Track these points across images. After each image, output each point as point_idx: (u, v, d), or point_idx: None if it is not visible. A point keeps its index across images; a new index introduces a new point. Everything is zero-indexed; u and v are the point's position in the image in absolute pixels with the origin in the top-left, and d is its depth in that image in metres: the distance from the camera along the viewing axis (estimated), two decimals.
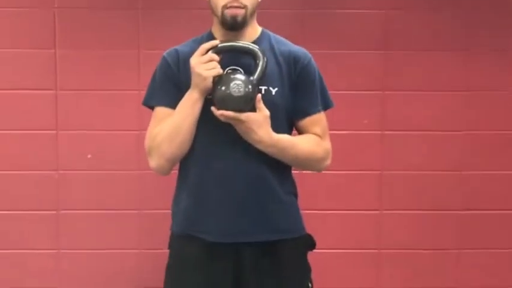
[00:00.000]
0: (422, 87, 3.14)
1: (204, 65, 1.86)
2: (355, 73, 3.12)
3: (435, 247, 3.21)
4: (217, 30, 2.00)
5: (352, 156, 3.13)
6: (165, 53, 2.04)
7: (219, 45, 1.91)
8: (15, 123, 3.11)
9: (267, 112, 1.87)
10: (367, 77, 3.12)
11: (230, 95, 1.82)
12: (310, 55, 2.04)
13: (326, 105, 2.06)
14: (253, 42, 1.98)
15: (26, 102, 3.09)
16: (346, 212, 3.19)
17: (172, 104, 1.95)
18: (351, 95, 3.13)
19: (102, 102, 3.09)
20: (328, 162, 2.05)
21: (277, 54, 1.98)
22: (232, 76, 1.86)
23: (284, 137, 1.93)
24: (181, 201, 1.99)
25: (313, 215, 2.79)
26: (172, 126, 1.90)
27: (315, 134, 2.00)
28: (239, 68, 1.95)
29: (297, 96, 1.97)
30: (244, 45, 1.93)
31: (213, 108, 1.87)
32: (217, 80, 1.88)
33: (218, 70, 1.86)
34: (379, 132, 3.16)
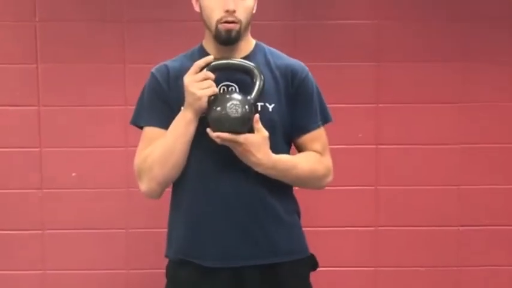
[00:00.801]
0: (416, 99, 3.10)
1: (199, 84, 1.79)
2: (347, 85, 3.09)
3: (433, 264, 3.17)
4: (209, 44, 1.94)
5: (346, 172, 3.07)
6: (153, 69, 1.97)
7: (214, 63, 1.84)
8: None
9: (265, 133, 1.82)
10: (360, 90, 3.09)
11: (227, 116, 1.76)
12: (307, 68, 1.98)
13: (325, 119, 2.01)
14: (247, 56, 1.93)
15: (8, 119, 3.06)
16: (341, 229, 3.15)
17: (163, 124, 1.89)
18: (344, 108, 3.08)
19: (87, 119, 3.05)
20: (330, 178, 2.00)
21: (273, 68, 1.93)
22: (228, 96, 1.80)
23: (284, 158, 1.88)
24: (176, 226, 1.94)
25: (306, 232, 2.73)
26: (164, 148, 1.84)
27: (315, 150, 1.96)
28: (234, 85, 1.89)
29: (295, 111, 1.92)
30: (240, 63, 1.87)
31: (208, 130, 1.81)
32: (213, 100, 1.81)
33: (213, 89, 1.80)
34: (374, 146, 3.13)
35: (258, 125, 1.81)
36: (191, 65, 1.83)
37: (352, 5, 3.09)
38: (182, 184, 1.92)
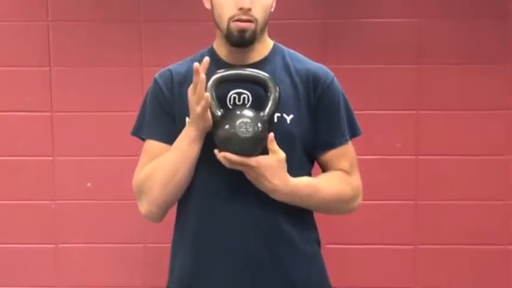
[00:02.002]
0: (461, 105, 2.99)
1: (195, 97, 1.63)
2: (384, 90, 2.98)
3: (480, 287, 3.05)
4: (220, 45, 1.78)
5: (383, 185, 2.99)
6: (156, 75, 1.83)
7: (220, 74, 1.68)
8: (7, 148, 3.03)
9: (282, 155, 1.64)
10: (399, 95, 2.98)
11: (236, 136, 1.60)
12: (332, 74, 1.80)
13: (353, 132, 1.83)
14: (264, 60, 1.77)
15: (19, 126, 3.01)
16: (377, 247, 3.04)
17: (165, 138, 1.75)
18: (380, 115, 2.98)
19: (103, 125, 3.00)
20: (359, 201, 1.82)
21: (292, 74, 1.76)
22: (238, 112, 1.64)
23: (304, 182, 1.71)
24: (180, 254, 1.80)
25: (340, 250, 2.80)
26: (165, 169, 1.70)
27: (341, 169, 1.79)
28: (247, 93, 1.71)
29: (318, 124, 1.76)
30: (251, 73, 1.70)
31: (215, 152, 1.64)
32: (220, 116, 1.65)
33: (204, 104, 1.61)
34: (413, 157, 3.01)
35: (273, 146, 1.63)
36: None
37: (390, 1, 2.98)
38: (186, 206, 1.77)
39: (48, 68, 2.98)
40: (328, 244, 2.80)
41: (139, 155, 2.94)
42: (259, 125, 1.61)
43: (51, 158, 3.01)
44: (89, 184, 3.02)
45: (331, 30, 2.96)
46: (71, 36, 2.97)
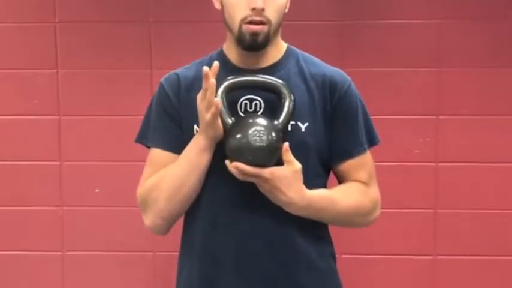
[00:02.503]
0: (483, 110, 2.95)
1: (205, 103, 1.56)
2: (403, 95, 2.94)
3: None
4: (230, 48, 1.70)
5: (401, 193, 2.95)
6: (162, 79, 1.77)
7: (233, 80, 1.62)
8: (13, 153, 3.02)
9: (298, 165, 1.56)
10: (418, 99, 2.94)
11: (248, 145, 1.52)
12: (349, 79, 1.72)
13: (371, 141, 1.76)
14: (276, 64, 1.70)
15: (26, 130, 3.00)
16: (395, 257, 2.99)
17: (171, 146, 1.68)
18: (398, 120, 2.94)
19: (112, 129, 2.97)
20: (377, 214, 1.75)
21: (307, 79, 1.69)
22: (251, 120, 1.56)
23: (320, 194, 1.64)
24: (187, 268, 1.73)
25: (357, 260, 2.78)
26: (172, 179, 1.63)
27: (359, 180, 1.72)
28: (259, 99, 1.64)
29: (335, 133, 1.68)
30: (263, 79, 1.63)
31: (227, 162, 1.57)
32: (232, 124, 1.58)
33: (214, 111, 1.54)
34: (433, 164, 2.96)
35: (288, 156, 1.55)
36: None
37: (408, 1, 2.94)
38: (193, 220, 1.70)
39: (55, 70, 2.97)
40: (343, 254, 2.76)
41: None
42: (274, 134, 1.54)
43: (58, 162, 3.00)
44: (97, 190, 3.00)
45: (347, 31, 2.93)
46: (79, 38, 2.96)
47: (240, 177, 1.53)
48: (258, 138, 1.51)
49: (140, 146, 2.99)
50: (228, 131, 1.56)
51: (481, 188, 2.96)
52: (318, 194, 1.62)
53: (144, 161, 2.96)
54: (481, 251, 2.97)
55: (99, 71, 2.95)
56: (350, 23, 2.93)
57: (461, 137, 2.94)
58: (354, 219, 1.71)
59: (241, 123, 1.55)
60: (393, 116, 2.93)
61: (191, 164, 1.60)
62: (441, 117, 2.94)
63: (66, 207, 3.00)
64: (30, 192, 3.01)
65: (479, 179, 2.95)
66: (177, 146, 1.65)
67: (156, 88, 2.83)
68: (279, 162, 1.55)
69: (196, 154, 1.59)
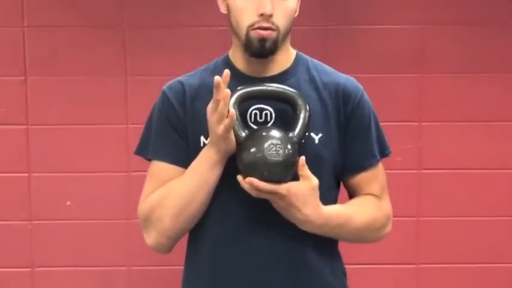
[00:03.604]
0: (466, 117, 2.96)
1: (216, 115, 1.48)
2: (384, 101, 2.84)
3: None
4: (237, 55, 1.64)
5: None
6: (165, 87, 1.69)
7: (245, 90, 1.55)
8: None
9: (315, 181, 1.51)
10: (400, 106, 2.95)
11: (264, 160, 1.45)
12: (361, 87, 1.70)
13: (383, 152, 1.73)
14: (286, 71, 1.65)
15: None
16: (377, 267, 3.00)
17: (176, 159, 1.62)
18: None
19: (83, 139, 2.95)
20: (389, 229, 1.73)
21: (319, 88, 1.64)
22: (265, 133, 1.50)
23: (337, 211, 1.60)
24: (190, 285, 1.70)
25: None
26: (180, 196, 1.57)
27: (372, 193, 1.68)
28: (269, 109, 1.59)
29: (348, 144, 1.65)
30: (277, 89, 1.57)
31: (239, 178, 1.50)
32: (245, 138, 1.51)
33: (228, 122, 1.46)
34: (416, 171, 2.98)
35: (305, 171, 1.49)
36: (212, 81, 1.55)
37: (392, 7, 2.94)
38: (200, 236, 1.63)
39: (23, 77, 2.93)
40: None
41: (123, 171, 2.92)
42: (289, 147, 1.47)
43: (26, 174, 2.96)
44: (68, 203, 2.97)
45: (330, 36, 2.93)
46: (49, 43, 2.92)
47: (253, 193, 1.47)
48: (274, 152, 1.45)
49: (113, 157, 3.03)
50: (242, 144, 1.49)
51: (464, 195, 2.98)
52: (334, 211, 1.57)
53: (118, 171, 2.95)
54: (464, 259, 2.99)
55: (70, 78, 2.92)
56: (332, 28, 2.93)
57: (444, 144, 2.96)
58: (368, 235, 1.68)
59: (255, 136, 1.49)
60: None
61: (201, 179, 1.54)
62: (423, 123, 2.95)
63: (35, 221, 2.96)
64: None
65: (462, 186, 2.98)
66: (181, 158, 1.59)
67: (130, 95, 2.88)
68: (295, 178, 1.50)
69: (207, 169, 1.53)
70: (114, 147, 2.90)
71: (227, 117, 1.45)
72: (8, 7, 2.88)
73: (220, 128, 1.45)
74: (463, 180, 2.97)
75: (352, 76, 2.86)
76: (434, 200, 2.97)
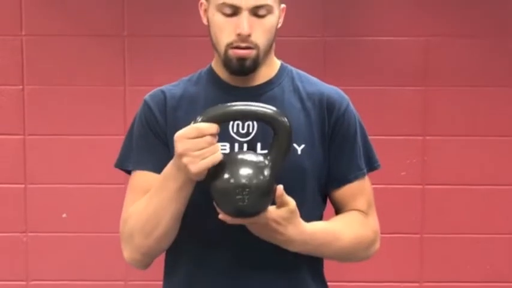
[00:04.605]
0: (471, 131, 2.97)
1: (197, 153, 1.38)
2: (388, 114, 2.95)
3: None
4: (219, 66, 1.62)
5: (386, 217, 2.77)
6: (146, 96, 1.65)
7: (211, 113, 1.40)
8: None
9: (293, 203, 1.45)
10: (404, 119, 2.95)
11: (237, 191, 1.36)
12: (347, 98, 1.65)
13: (371, 165, 1.67)
14: (270, 81, 1.61)
15: None
16: (381, 285, 2.99)
17: (158, 168, 1.55)
18: (384, 141, 2.87)
19: (81, 150, 2.95)
20: (377, 246, 1.67)
21: (303, 98, 1.59)
22: (239, 157, 1.41)
23: (320, 228, 1.54)
24: None
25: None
26: (147, 214, 1.50)
27: (358, 209, 1.63)
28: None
29: (332, 156, 1.60)
30: (257, 109, 1.43)
31: (215, 204, 1.45)
32: (217, 166, 1.41)
33: (215, 158, 1.38)
34: (420, 186, 2.97)
35: (284, 199, 1.43)
36: (195, 91, 1.57)
37: (394, 18, 2.95)
38: (176, 247, 1.58)
39: (21, 86, 2.95)
40: (329, 282, 2.68)
41: (120, 183, 2.86)
42: (266, 173, 1.37)
43: (22, 185, 2.96)
44: (64, 215, 2.97)
45: (330, 48, 2.93)
46: (47, 52, 2.94)
47: (228, 221, 1.42)
48: (247, 180, 1.36)
49: (110, 169, 2.91)
50: (213, 167, 1.40)
51: (469, 211, 2.97)
52: (318, 228, 1.52)
53: (115, 183, 2.94)
54: (470, 277, 2.97)
55: (68, 88, 2.93)
56: (333, 39, 2.94)
57: (448, 158, 2.95)
58: (355, 253, 1.63)
59: (227, 160, 1.39)
60: (378, 137, 2.78)
61: (169, 198, 1.47)
62: (428, 137, 2.95)
63: (31, 233, 2.96)
64: None
65: (467, 202, 2.97)
66: (161, 167, 1.53)
67: (129, 105, 2.87)
68: (273, 202, 1.44)
69: (175, 189, 1.46)
70: (112, 158, 2.82)
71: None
72: (6, 16, 2.90)
73: (200, 164, 1.37)
74: (469, 196, 2.96)
75: (352, 88, 2.86)
76: (438, 216, 2.96)
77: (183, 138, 1.37)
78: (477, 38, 2.94)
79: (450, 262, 2.95)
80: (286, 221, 1.43)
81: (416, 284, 2.96)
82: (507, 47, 2.93)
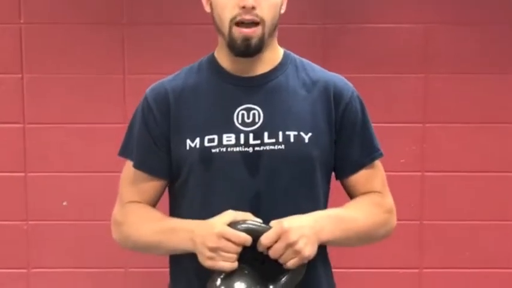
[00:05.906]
0: (471, 118, 2.95)
1: (224, 248, 1.44)
2: (388, 101, 2.93)
3: None
4: (222, 54, 1.60)
5: None
6: (148, 90, 1.66)
7: (257, 228, 1.48)
8: None
9: (276, 228, 1.48)
10: (403, 106, 2.94)
11: None
12: (351, 85, 1.67)
13: (379, 149, 1.71)
14: (274, 69, 1.61)
15: None
16: (380, 271, 2.99)
17: (154, 170, 1.62)
18: (384, 128, 2.77)
19: (81, 138, 2.94)
20: (394, 224, 1.69)
21: (308, 86, 1.61)
22: (239, 281, 1.45)
23: (336, 213, 1.58)
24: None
25: (344, 274, 2.75)
26: (148, 242, 1.61)
27: (373, 190, 1.66)
28: (257, 109, 1.55)
29: (344, 144, 1.62)
30: (260, 227, 1.48)
31: None
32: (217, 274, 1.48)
33: (231, 266, 1.44)
34: (419, 173, 2.96)
35: (267, 241, 1.46)
36: (197, 81, 1.59)
37: (395, 5, 2.93)
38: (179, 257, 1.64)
39: (20, 75, 2.93)
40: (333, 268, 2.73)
41: (120, 172, 2.96)
42: None
43: (23, 174, 2.95)
44: (64, 203, 2.97)
45: (330, 35, 2.91)
46: (46, 40, 2.92)
47: None
48: None
49: (110, 157, 2.92)
50: (214, 274, 1.47)
51: (469, 198, 2.96)
52: (337, 213, 1.57)
53: (115, 171, 2.88)
54: (468, 263, 2.98)
55: (67, 76, 2.92)
56: (333, 27, 2.92)
57: (448, 145, 2.95)
58: (372, 236, 1.65)
59: (229, 275, 1.44)
60: (377, 124, 2.77)
61: (173, 247, 1.57)
62: (427, 125, 2.94)
63: (31, 222, 2.96)
64: None
65: (466, 189, 2.96)
66: (159, 170, 1.59)
67: (128, 94, 2.87)
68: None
69: (181, 249, 1.55)
70: (112, 146, 2.81)
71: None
72: (5, 4, 2.87)
73: (212, 263, 1.43)
74: (468, 183, 2.95)
75: (352, 76, 2.87)
76: (438, 202, 2.95)
77: (222, 236, 1.42)
78: (478, 25, 2.92)
79: (449, 249, 2.96)
80: (287, 237, 1.44)
81: (416, 271, 2.96)
82: (507, 34, 2.91)
